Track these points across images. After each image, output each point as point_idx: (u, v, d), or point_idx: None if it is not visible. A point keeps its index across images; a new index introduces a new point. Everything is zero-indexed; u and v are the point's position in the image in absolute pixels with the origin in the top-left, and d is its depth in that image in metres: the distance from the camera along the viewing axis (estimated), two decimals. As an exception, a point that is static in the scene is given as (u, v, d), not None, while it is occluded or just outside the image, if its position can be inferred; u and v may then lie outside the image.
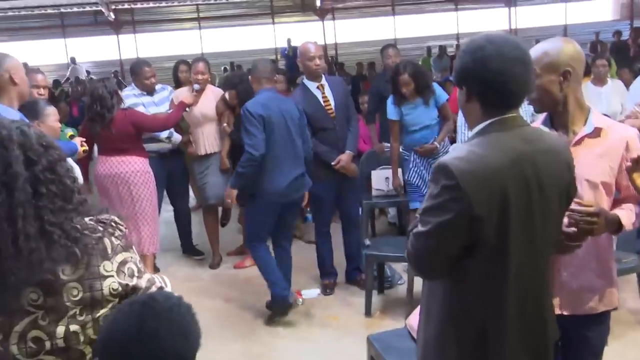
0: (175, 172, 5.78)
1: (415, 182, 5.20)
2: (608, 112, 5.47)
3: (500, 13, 20.61)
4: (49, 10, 17.42)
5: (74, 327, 1.55)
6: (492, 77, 1.85)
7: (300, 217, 6.85)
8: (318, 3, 19.87)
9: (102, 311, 1.59)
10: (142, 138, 5.15)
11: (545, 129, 2.38)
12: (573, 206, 2.13)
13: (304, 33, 19.51)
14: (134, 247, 1.69)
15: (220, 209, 5.99)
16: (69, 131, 4.62)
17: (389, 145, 6.07)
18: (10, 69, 3.03)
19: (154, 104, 5.47)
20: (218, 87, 6.35)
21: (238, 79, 5.66)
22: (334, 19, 20.74)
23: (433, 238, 1.85)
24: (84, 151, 4.33)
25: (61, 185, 1.57)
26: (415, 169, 5.19)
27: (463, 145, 1.94)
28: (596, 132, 2.31)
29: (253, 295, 5.15)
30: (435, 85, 5.21)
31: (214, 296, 5.21)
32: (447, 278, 1.94)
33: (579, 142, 2.31)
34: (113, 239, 1.62)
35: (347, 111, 5.04)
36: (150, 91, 5.56)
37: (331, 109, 4.93)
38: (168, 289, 1.74)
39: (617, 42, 15.90)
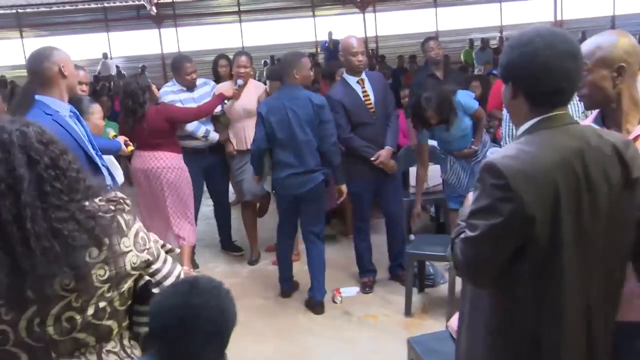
0: (214, 167, 5.76)
1: (452, 181, 5.07)
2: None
3: (545, 4, 20.16)
4: (92, 5, 17.66)
5: (102, 304, 1.65)
6: (541, 73, 1.76)
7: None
8: (359, -5, 19.74)
9: (126, 285, 1.70)
10: (175, 134, 5.17)
11: (597, 127, 2.26)
12: None
13: (345, 26, 19.43)
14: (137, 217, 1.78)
15: (257, 204, 5.98)
16: (111, 131, 4.65)
17: (430, 141, 5.97)
18: (60, 62, 3.05)
19: (193, 100, 5.44)
20: (259, 80, 6.31)
21: (276, 74, 5.62)
22: (374, 11, 20.55)
23: (485, 243, 1.76)
24: (130, 150, 4.37)
25: (65, 179, 1.61)
26: (452, 169, 5.06)
27: (511, 144, 1.83)
28: None
29: (292, 292, 5.13)
30: (461, 96, 4.87)
31: (252, 293, 5.18)
32: (495, 285, 1.84)
33: (633, 141, 2.18)
34: (124, 214, 1.71)
35: (387, 107, 4.98)
36: (191, 87, 5.54)
37: (371, 103, 4.86)
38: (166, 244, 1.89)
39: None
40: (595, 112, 2.33)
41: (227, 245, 6.17)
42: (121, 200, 1.72)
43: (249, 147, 5.47)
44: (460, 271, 1.91)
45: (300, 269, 5.25)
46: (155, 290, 1.77)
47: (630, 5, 20.02)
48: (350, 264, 5.36)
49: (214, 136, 5.55)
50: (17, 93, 3.59)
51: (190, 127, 5.36)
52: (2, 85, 15.28)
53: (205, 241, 6.37)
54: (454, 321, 3.09)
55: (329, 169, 4.70)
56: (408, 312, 4.60)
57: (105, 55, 18.45)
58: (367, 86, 4.89)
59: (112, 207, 1.68)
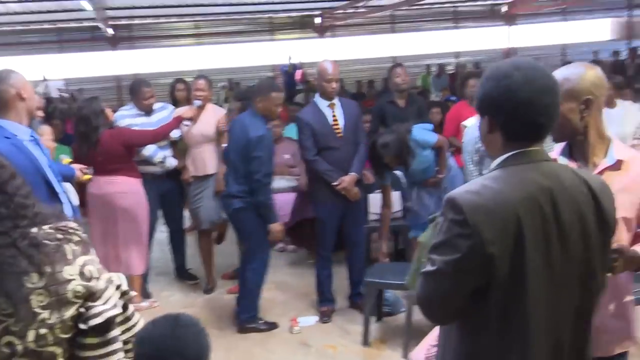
0: (170, 193, 5.65)
1: (417, 209, 5.05)
2: (619, 135, 5.35)
3: (499, 31, 20.56)
4: (46, 26, 17.33)
5: (43, 330, 1.62)
6: (519, 108, 1.71)
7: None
8: (318, 20, 19.84)
9: (68, 313, 1.65)
10: (133, 158, 5.05)
11: (564, 160, 2.26)
12: None
13: (304, 50, 19.48)
14: (92, 250, 1.75)
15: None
16: (65, 157, 4.51)
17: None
18: (17, 85, 2.99)
19: (151, 125, 5.32)
20: (217, 104, 6.23)
21: (243, 95, 5.59)
22: (333, 36, 20.68)
23: (443, 279, 1.70)
24: (87, 179, 4.24)
25: (12, 204, 1.61)
26: (418, 197, 5.05)
27: (477, 179, 1.79)
28: (617, 165, 2.18)
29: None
30: (417, 133, 4.87)
31: (208, 323, 5.02)
32: (461, 324, 1.79)
33: (599, 175, 2.18)
34: (72, 244, 1.68)
35: (357, 134, 4.95)
36: (148, 111, 5.44)
37: (339, 128, 4.85)
38: (124, 286, 1.82)
39: (615, 62, 15.86)
40: (561, 144, 2.32)
41: (182, 274, 6.03)
42: (70, 231, 1.70)
43: (207, 172, 5.40)
44: (420, 306, 1.86)
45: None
46: (82, 326, 1.68)
47: (580, 34, 20.59)
48: (310, 291, 5.28)
49: (171, 162, 5.44)
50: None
51: (147, 152, 5.24)
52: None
53: (160, 269, 6.21)
54: (416, 355, 3.04)
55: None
56: (366, 342, 4.54)
57: (44, 78, 17.80)
58: (338, 112, 4.88)
59: (60, 236, 1.67)
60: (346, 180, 4.80)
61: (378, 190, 5.76)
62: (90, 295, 1.70)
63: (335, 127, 4.85)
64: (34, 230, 1.64)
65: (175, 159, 5.47)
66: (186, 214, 6.17)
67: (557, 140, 2.32)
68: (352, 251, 5.14)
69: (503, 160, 1.77)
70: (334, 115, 4.86)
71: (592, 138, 2.22)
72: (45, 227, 1.67)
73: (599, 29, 20.98)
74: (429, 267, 1.73)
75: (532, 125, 1.74)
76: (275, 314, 5.11)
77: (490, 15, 20.46)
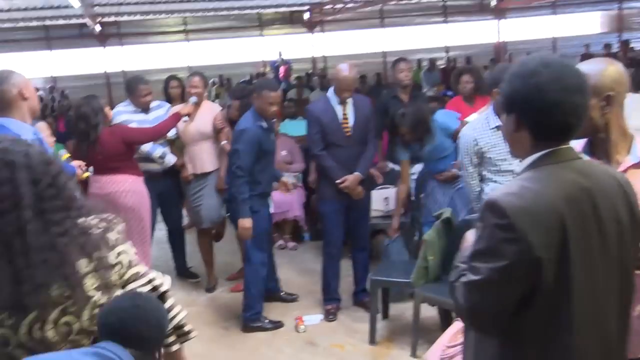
0: (168, 191, 5.57)
1: (429, 205, 4.99)
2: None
3: (489, 25, 20.57)
4: (34, 23, 17.15)
5: (95, 311, 1.78)
6: (549, 107, 1.65)
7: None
8: (306, 16, 19.77)
9: (114, 294, 1.83)
10: (133, 155, 4.96)
11: (586, 158, 2.20)
12: None
13: (293, 45, 19.43)
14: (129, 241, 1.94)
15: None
16: (64, 153, 4.43)
17: (391, 164, 5.91)
18: (18, 84, 2.96)
19: (149, 122, 5.23)
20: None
21: (242, 92, 5.50)
22: (322, 31, 20.63)
23: (489, 288, 1.63)
24: (86, 176, 4.16)
25: (63, 197, 1.76)
26: (431, 190, 4.99)
27: (514, 180, 1.73)
28: None
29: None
30: (440, 116, 4.87)
31: (212, 322, 4.99)
32: (502, 335, 1.71)
33: (623, 173, 2.13)
34: (113, 233, 1.86)
35: (366, 133, 4.87)
36: (145, 109, 5.35)
37: (348, 127, 4.78)
38: (156, 282, 1.97)
39: (607, 55, 15.90)
40: (582, 141, 2.27)
41: (183, 272, 5.95)
42: (111, 221, 1.89)
43: (205, 170, 5.32)
44: (462, 317, 1.79)
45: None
46: None
47: (570, 28, 20.65)
48: (315, 289, 5.23)
49: (171, 158, 5.35)
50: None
51: (146, 147, 5.17)
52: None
53: (160, 267, 6.02)
54: (432, 355, 2.99)
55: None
56: (373, 341, 4.49)
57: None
58: (349, 109, 4.80)
59: (103, 225, 1.84)
60: (349, 179, 4.75)
61: (379, 187, 5.74)
62: (128, 280, 1.89)
63: (345, 125, 4.77)
64: (81, 220, 1.80)
65: (174, 156, 5.39)
66: (184, 212, 6.10)
67: (577, 137, 2.27)
68: (356, 247, 5.09)
69: (535, 160, 1.71)
70: (344, 113, 4.78)
71: (614, 135, 2.17)
72: (89, 218, 1.84)
73: (589, 22, 21.04)
74: (473, 277, 1.65)
75: (562, 125, 1.68)
76: (279, 312, 5.04)
77: (480, 9, 20.47)
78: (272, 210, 4.94)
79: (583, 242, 1.63)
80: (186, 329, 2.05)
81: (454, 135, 4.77)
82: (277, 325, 4.82)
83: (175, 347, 2.03)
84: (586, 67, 2.15)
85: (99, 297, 1.79)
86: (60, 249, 1.71)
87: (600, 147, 2.20)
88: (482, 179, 4.02)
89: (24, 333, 1.71)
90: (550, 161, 1.69)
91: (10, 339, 1.71)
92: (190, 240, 6.15)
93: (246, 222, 4.56)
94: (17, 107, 2.95)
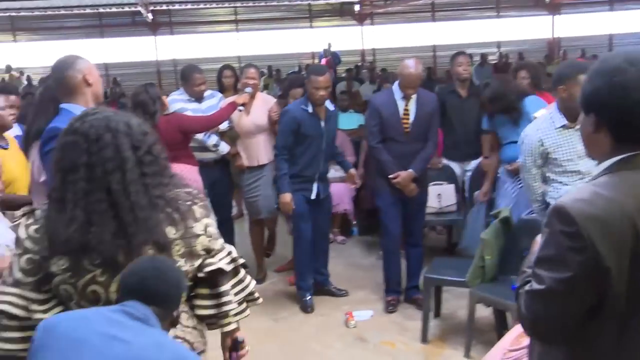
0: (219, 181, 5.55)
1: (496, 196, 4.91)
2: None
3: (542, 21, 20.15)
4: (88, 10, 17.42)
5: None
6: (632, 108, 1.53)
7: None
8: (357, 8, 19.64)
9: (196, 263, 1.99)
10: (189, 144, 4.96)
11: None
12: None
13: (342, 37, 19.33)
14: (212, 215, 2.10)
15: (266, 236, 5.82)
16: None
17: (445, 160, 5.80)
18: (84, 70, 2.94)
19: (202, 112, 5.24)
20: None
21: (300, 81, 5.50)
22: (372, 24, 20.48)
23: (554, 298, 1.54)
24: None
25: (158, 163, 1.93)
26: (502, 180, 4.91)
27: (586, 185, 1.60)
28: None
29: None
30: (529, 101, 4.83)
31: (262, 314, 4.93)
32: (569, 344, 1.61)
33: None
34: (198, 206, 2.00)
35: (426, 131, 4.78)
36: (199, 98, 5.36)
37: (408, 122, 4.69)
38: (234, 254, 2.13)
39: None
40: None
41: (232, 263, 5.93)
42: (198, 195, 2.04)
43: (260, 163, 5.27)
44: (525, 327, 1.69)
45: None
46: (199, 274, 2.03)
47: (627, 24, 20.07)
48: (363, 285, 5.15)
49: (224, 147, 5.35)
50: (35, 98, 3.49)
51: (200, 135, 5.16)
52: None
53: (208, 257, 6.12)
54: (492, 358, 2.89)
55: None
56: (425, 339, 4.40)
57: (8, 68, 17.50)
58: (412, 105, 4.71)
59: (190, 198, 1.99)
60: (402, 176, 4.68)
61: (433, 183, 5.62)
62: (210, 251, 2.02)
63: (405, 120, 4.69)
64: (172, 191, 1.95)
65: (227, 145, 5.38)
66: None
67: None
68: (409, 244, 5.03)
69: (613, 164, 1.59)
70: (405, 108, 4.69)
71: None
72: (178, 189, 1.99)
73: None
74: (536, 285, 1.56)
75: None
76: (329, 307, 5.00)
77: (534, 4, 20.05)
78: (312, 196, 4.92)
79: None
80: (255, 295, 2.22)
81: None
82: (306, 306, 5.00)
83: (246, 313, 2.19)
84: None
85: (182, 263, 1.93)
86: (160, 210, 1.87)
87: None
88: (545, 180, 3.89)
89: (113, 291, 1.85)
90: (629, 166, 1.57)
91: (101, 295, 1.87)
92: (238, 231, 6.13)
93: (285, 197, 4.78)
94: (82, 93, 2.94)
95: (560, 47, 19.32)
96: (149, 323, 1.72)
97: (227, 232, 5.84)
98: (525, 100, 4.85)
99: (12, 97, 3.97)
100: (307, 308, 4.99)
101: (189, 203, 1.96)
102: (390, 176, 4.69)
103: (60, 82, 2.93)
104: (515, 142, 4.78)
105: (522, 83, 5.60)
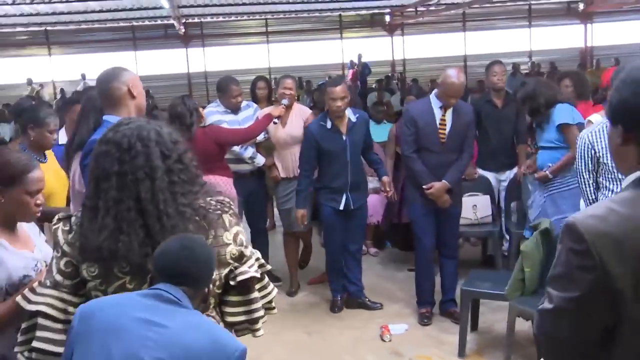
0: (255, 193, 5.56)
1: (529, 210, 4.84)
2: None
3: (575, 30, 19.92)
4: (121, 24, 17.66)
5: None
6: None
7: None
8: (387, 19, 19.62)
9: (224, 271, 1.99)
10: (225, 156, 4.97)
11: None
12: None
13: (373, 48, 19.31)
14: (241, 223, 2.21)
15: (301, 248, 5.79)
16: None
17: (481, 170, 5.73)
18: (128, 82, 2.95)
19: (238, 123, 5.25)
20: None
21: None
22: (403, 34, 20.43)
23: (562, 318, 1.46)
24: None
25: (188, 172, 1.96)
26: (533, 195, 4.85)
27: (603, 201, 1.54)
28: None
29: (336, 327, 4.88)
30: (559, 107, 4.76)
31: (294, 327, 4.92)
32: None
33: None
34: (229, 215, 2.01)
35: (463, 142, 4.73)
36: (236, 110, 5.38)
37: (444, 133, 4.64)
38: (261, 260, 2.13)
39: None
40: None
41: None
42: (228, 204, 2.05)
43: (296, 174, 5.24)
44: (538, 346, 1.63)
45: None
46: (231, 282, 2.02)
47: (662, 32, 19.74)
48: (398, 297, 5.09)
49: (260, 159, 5.36)
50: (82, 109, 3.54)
51: (237, 148, 5.18)
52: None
53: (242, 269, 6.11)
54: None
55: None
56: (462, 354, 4.33)
57: (83, 76, 17.56)
58: (448, 115, 4.66)
59: (220, 207, 2.01)
60: (435, 187, 4.63)
61: (468, 194, 5.55)
62: (240, 259, 2.03)
63: (441, 131, 4.64)
64: (202, 199, 1.98)
65: (262, 157, 5.39)
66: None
67: None
68: (444, 254, 4.95)
69: (635, 180, 1.50)
70: (442, 118, 4.64)
71: None
72: (209, 198, 2.01)
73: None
74: (547, 304, 1.49)
75: None
76: (363, 319, 4.95)
77: (566, 13, 19.84)
78: (341, 207, 4.91)
79: None
80: (272, 304, 2.21)
81: (563, 131, 4.73)
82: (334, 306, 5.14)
83: (265, 319, 2.15)
84: None
85: None
86: (188, 218, 1.89)
87: None
88: (598, 187, 3.79)
89: None
90: None
91: None
92: (271, 242, 6.11)
93: (298, 212, 4.99)
94: (125, 104, 2.95)
95: (593, 56, 19.07)
96: (182, 304, 1.75)
97: (261, 243, 5.83)
98: (556, 107, 4.76)
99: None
100: (335, 308, 5.09)
101: (219, 212, 1.99)
102: (424, 186, 4.63)
103: (105, 94, 2.95)
104: (544, 147, 4.81)
105: (565, 91, 5.53)
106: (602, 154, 3.67)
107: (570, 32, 20.09)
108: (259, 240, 5.84)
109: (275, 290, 2.22)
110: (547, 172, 4.72)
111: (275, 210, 6.21)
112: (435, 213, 4.76)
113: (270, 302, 2.19)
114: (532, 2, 18.96)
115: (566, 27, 20.13)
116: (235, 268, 2.02)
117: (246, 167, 5.37)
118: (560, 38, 20.20)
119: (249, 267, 2.04)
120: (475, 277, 4.59)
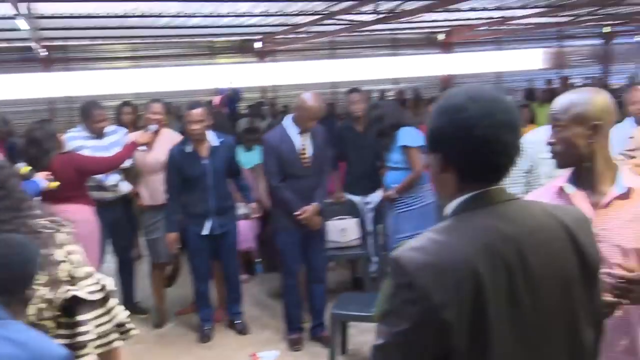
0: (120, 221, 5.34)
1: (388, 228, 5.04)
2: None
3: (436, 58, 20.94)
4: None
5: (42, 305, 1.91)
6: (476, 146, 1.46)
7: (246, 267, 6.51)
8: (258, 45, 19.73)
9: (61, 290, 1.94)
10: (85, 184, 4.75)
11: (571, 188, 2.17)
12: (612, 270, 1.93)
13: (244, 74, 19.34)
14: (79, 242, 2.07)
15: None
16: (23, 166, 4.19)
17: (348, 195, 5.83)
18: None
19: (104, 148, 5.04)
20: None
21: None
22: (274, 60, 20.62)
23: (393, 353, 1.42)
24: (55, 186, 4.00)
25: (12, 198, 1.91)
26: (390, 216, 5.07)
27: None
28: (627, 193, 2.10)
29: (206, 358, 4.78)
30: (404, 130, 5.12)
31: (160, 359, 4.76)
32: None
33: (608, 204, 2.10)
34: (62, 233, 2.00)
35: (323, 162, 4.78)
36: (99, 135, 5.16)
37: (306, 158, 4.66)
38: (103, 282, 2.08)
39: (549, 89, 16.31)
40: (567, 172, 2.24)
41: (131, 307, 5.67)
42: (62, 222, 2.04)
43: (162, 202, 5.08)
44: None
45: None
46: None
47: (514, 63, 21.21)
48: (268, 323, 5.05)
49: (124, 186, 5.14)
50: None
51: (99, 175, 4.95)
52: None
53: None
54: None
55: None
56: (332, 378, 4.35)
57: None
58: (308, 140, 4.68)
59: (52, 226, 1.99)
60: (309, 211, 4.65)
61: (336, 217, 5.63)
62: (79, 278, 2.00)
63: (303, 155, 4.66)
64: (31, 221, 1.93)
65: (127, 184, 5.19)
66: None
67: (562, 166, 2.22)
68: (313, 278, 4.94)
69: (458, 205, 1.51)
70: (303, 145, 4.66)
71: (600, 165, 2.15)
72: (40, 219, 1.97)
73: (532, 58, 21.69)
74: (379, 340, 1.46)
75: (490, 165, 1.49)
76: (231, 348, 4.87)
77: (428, 43, 20.84)
78: (205, 232, 4.84)
79: (505, 298, 1.40)
80: (127, 326, 2.15)
81: (405, 152, 5.09)
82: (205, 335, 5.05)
83: (116, 344, 2.09)
84: (574, 96, 2.14)
85: (45, 292, 1.91)
86: None
87: (585, 177, 2.17)
88: None
89: None
90: (474, 206, 1.49)
91: None
92: (138, 272, 5.89)
93: (169, 236, 4.89)
94: None
95: (455, 84, 20.10)
96: None
97: (127, 274, 5.62)
98: (400, 129, 5.12)
99: None
100: (204, 337, 5.03)
101: (50, 232, 1.96)
102: (297, 213, 4.63)
103: None
104: (392, 168, 5.15)
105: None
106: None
107: (432, 60, 21.07)
108: (125, 270, 5.63)
109: (125, 313, 2.16)
110: (392, 192, 4.99)
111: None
112: (303, 239, 4.77)
113: (122, 324, 2.14)
114: (396, 32, 19.75)
115: (428, 56, 21.09)
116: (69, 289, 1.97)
117: (109, 195, 5.16)
118: (423, 66, 21.15)
119: (76, 289, 1.98)
120: (345, 300, 4.65)
